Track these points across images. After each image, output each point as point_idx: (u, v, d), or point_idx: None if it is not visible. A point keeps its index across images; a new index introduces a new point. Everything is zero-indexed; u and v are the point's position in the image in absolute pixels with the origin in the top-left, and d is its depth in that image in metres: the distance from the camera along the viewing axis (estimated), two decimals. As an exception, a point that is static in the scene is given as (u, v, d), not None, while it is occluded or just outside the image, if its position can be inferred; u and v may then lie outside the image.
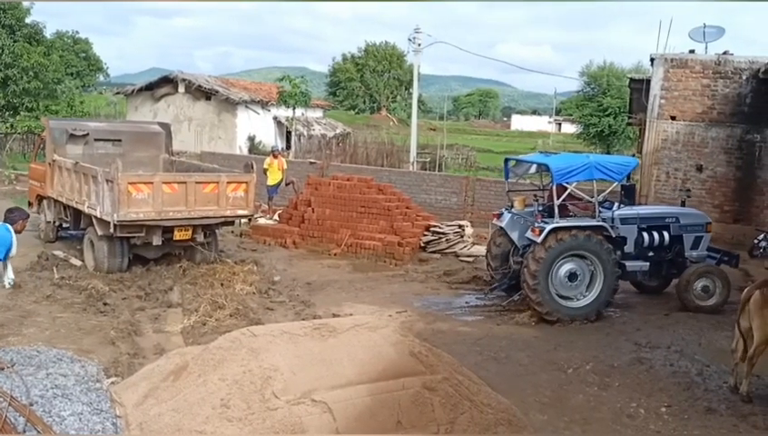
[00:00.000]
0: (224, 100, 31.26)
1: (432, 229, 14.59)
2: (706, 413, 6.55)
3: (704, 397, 6.90)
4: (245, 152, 29.86)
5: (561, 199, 9.74)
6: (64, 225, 13.04)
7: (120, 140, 13.46)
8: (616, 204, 10.61)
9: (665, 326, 9.26)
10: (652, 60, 15.40)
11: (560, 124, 73.32)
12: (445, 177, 19.75)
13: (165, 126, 14.58)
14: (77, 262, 11.50)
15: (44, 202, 13.22)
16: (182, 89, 32.01)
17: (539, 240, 9.35)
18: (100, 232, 10.88)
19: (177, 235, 11.22)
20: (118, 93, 37.67)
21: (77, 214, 12.05)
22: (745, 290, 7.07)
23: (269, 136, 32.12)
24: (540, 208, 10.22)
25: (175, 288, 10.35)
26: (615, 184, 10.46)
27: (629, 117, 21.10)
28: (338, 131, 36.28)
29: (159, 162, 13.67)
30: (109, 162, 10.96)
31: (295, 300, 10.29)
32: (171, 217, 10.86)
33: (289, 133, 32.18)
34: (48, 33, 32.64)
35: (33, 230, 13.29)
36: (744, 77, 14.61)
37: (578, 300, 9.64)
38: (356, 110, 72.68)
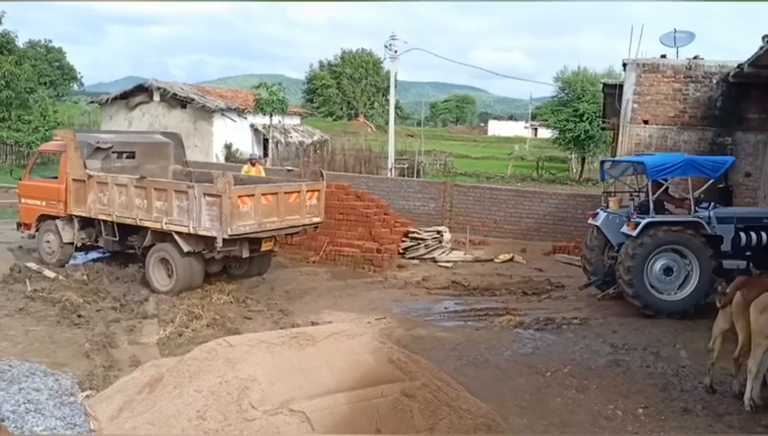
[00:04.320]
0: (200, 108, 31.05)
1: (411, 235, 14.62)
2: (683, 414, 6.62)
3: (681, 398, 6.98)
4: (222, 160, 29.67)
5: (656, 195, 9.96)
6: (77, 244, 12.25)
7: (134, 152, 13.11)
8: (713, 204, 10.68)
9: (641, 328, 9.35)
10: (624, 65, 15.59)
11: (536, 130, 73.96)
12: (423, 183, 19.81)
13: (174, 136, 14.25)
14: (50, 274, 11.31)
15: (56, 222, 12.25)
16: (157, 97, 31.74)
17: (635, 234, 9.56)
18: (186, 249, 10.55)
19: (264, 246, 11.26)
20: (92, 102, 37.24)
21: (126, 232, 11.62)
22: (726, 291, 7.16)
23: (246, 144, 31.97)
24: (636, 205, 10.44)
25: (151, 299, 10.24)
26: (710, 181, 10.53)
27: (603, 121, 21.32)
28: (315, 138, 36.23)
29: (168, 173, 13.37)
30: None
31: (273, 308, 10.24)
32: (268, 228, 10.84)
33: (266, 140, 32.05)
34: (20, 42, 32.32)
35: (3, 242, 13.09)
36: (715, 81, 14.85)
37: (674, 294, 9.76)
38: (333, 117, 72.75)
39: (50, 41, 61.83)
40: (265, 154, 30.79)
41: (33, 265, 11.77)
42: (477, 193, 18.01)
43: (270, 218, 10.83)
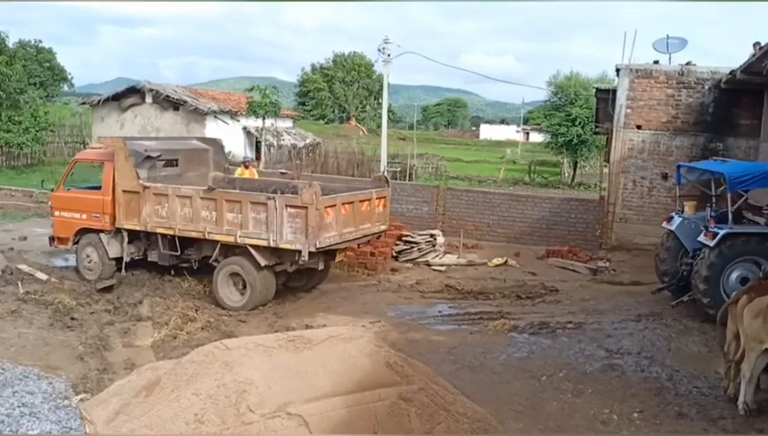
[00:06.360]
0: (193, 110, 30.93)
1: (404, 238, 14.62)
2: (677, 418, 6.66)
3: (675, 402, 7.01)
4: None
5: (736, 206, 9.81)
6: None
7: (177, 160, 12.43)
8: None
9: (636, 332, 9.38)
10: (617, 70, 15.69)
11: (528, 134, 74.18)
12: (416, 187, 19.80)
13: (213, 142, 13.67)
14: (43, 277, 11.22)
15: (100, 236, 11.60)
16: (149, 99, 31.58)
17: (712, 244, 9.46)
18: (263, 263, 10.16)
19: (338, 257, 11.06)
20: (83, 103, 36.98)
21: (186, 245, 11.13)
22: (733, 295, 7.20)
23: (238, 147, 31.86)
24: (714, 213, 10.26)
25: (145, 301, 10.19)
26: None
27: (596, 126, 21.43)
28: (308, 141, 36.18)
29: (209, 180, 12.62)
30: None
31: (267, 311, 10.23)
32: (346, 239, 10.61)
33: (258, 143, 31.98)
34: (10, 42, 32.11)
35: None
36: (707, 87, 14.98)
37: None
38: (325, 120, 72.79)
39: (40, 41, 61.51)
40: (257, 157, 30.71)
41: (25, 267, 11.66)
42: (470, 196, 18.03)
43: (348, 228, 10.58)
